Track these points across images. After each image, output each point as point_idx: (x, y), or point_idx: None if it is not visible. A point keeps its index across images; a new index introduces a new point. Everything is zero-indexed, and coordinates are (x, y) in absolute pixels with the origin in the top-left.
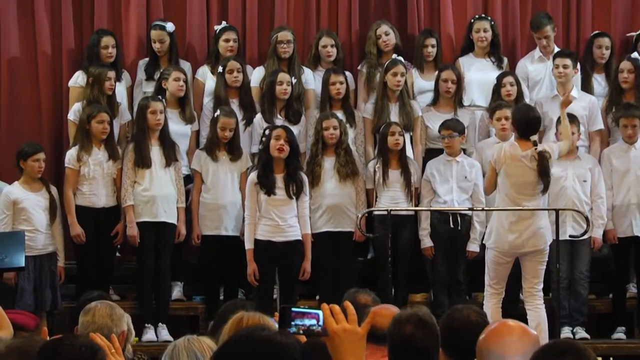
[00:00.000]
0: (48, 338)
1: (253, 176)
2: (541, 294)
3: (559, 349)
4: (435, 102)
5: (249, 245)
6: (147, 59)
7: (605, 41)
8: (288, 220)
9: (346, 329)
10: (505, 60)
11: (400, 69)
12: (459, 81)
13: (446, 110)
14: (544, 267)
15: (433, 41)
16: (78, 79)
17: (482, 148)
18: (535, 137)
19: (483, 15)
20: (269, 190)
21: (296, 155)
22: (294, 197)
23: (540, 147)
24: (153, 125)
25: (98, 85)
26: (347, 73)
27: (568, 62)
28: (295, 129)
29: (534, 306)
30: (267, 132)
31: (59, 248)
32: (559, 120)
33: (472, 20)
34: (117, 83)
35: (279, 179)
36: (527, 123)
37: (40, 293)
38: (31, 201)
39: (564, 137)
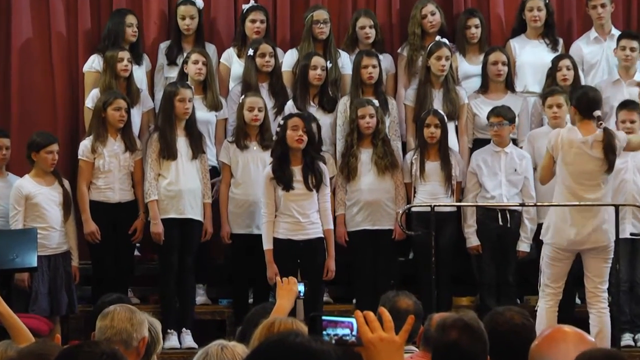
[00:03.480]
0: (61, 344)
1: (268, 170)
2: (605, 295)
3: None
4: (484, 88)
5: (267, 245)
6: (168, 42)
7: None
8: (310, 216)
9: (382, 338)
10: (561, 41)
11: (444, 52)
12: (509, 64)
13: (496, 97)
14: (609, 265)
15: (476, 21)
16: (94, 63)
17: (534, 137)
18: (598, 112)
19: None
20: (287, 185)
21: (313, 145)
22: (314, 190)
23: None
24: (180, 114)
25: (110, 69)
26: (382, 56)
27: (635, 44)
28: (329, 118)
29: (597, 309)
30: (281, 122)
31: (73, 247)
32: (619, 107)
33: None
34: (137, 67)
35: (297, 171)
36: (589, 100)
37: (56, 296)
38: (44, 196)
39: None
